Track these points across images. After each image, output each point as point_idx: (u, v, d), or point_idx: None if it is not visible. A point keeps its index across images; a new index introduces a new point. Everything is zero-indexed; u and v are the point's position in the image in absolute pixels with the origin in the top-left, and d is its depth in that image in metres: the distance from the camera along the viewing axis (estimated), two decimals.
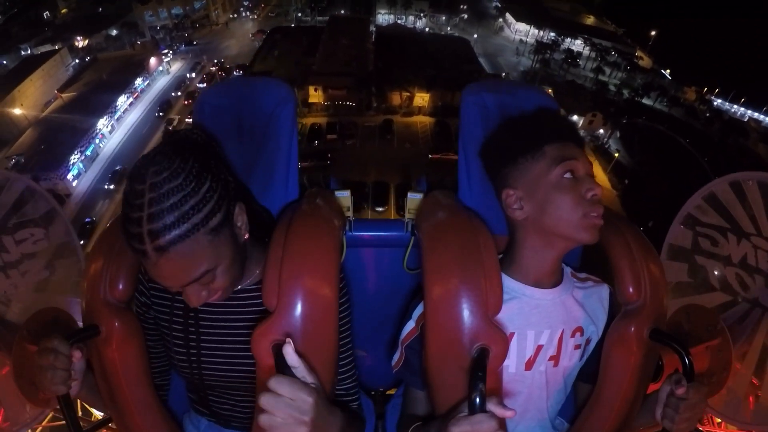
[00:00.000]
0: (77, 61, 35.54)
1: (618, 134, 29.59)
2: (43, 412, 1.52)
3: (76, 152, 24.22)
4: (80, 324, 1.12)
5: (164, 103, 31.26)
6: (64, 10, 43.59)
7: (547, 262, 1.07)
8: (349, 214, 1.33)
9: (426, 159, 24.35)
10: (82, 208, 22.06)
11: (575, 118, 28.84)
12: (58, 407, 1.00)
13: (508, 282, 1.08)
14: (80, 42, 37.10)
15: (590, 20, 47.24)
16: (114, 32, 40.39)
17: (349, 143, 26.14)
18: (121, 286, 1.06)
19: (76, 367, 0.99)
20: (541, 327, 1.08)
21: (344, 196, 1.31)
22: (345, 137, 26.24)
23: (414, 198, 1.32)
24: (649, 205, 21.73)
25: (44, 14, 42.52)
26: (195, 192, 0.81)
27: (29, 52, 36.16)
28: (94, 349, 1.07)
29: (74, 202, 22.52)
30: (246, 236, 0.97)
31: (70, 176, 23.20)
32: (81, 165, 24.49)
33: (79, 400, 1.61)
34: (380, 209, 21.13)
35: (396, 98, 29.30)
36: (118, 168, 24.54)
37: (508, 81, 1.70)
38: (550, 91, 30.61)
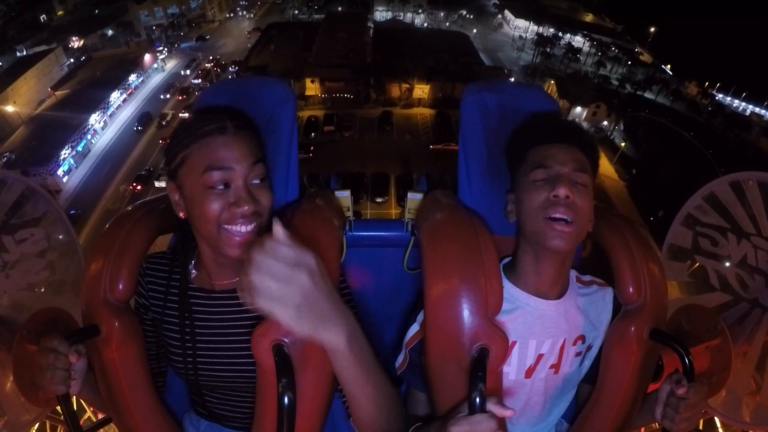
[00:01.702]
0: (72, 60, 35.30)
1: (622, 126, 29.48)
2: (43, 412, 1.51)
3: (66, 147, 23.76)
4: (80, 324, 1.12)
5: (144, 116, 28.20)
6: (60, 13, 43.41)
7: (545, 275, 1.06)
8: (349, 214, 1.34)
9: (426, 150, 24.09)
10: (72, 204, 21.49)
11: (578, 110, 28.69)
12: (58, 407, 1.00)
13: (513, 291, 1.08)
14: (75, 42, 36.91)
15: (589, 17, 47.30)
16: (109, 32, 40.15)
17: (347, 135, 25.81)
18: (121, 286, 1.06)
19: (76, 367, 0.99)
20: (543, 337, 1.07)
21: (344, 196, 1.32)
22: (343, 129, 25.94)
23: (414, 198, 1.33)
24: (657, 195, 21.56)
25: (41, 17, 42.29)
26: None
27: (24, 53, 36.00)
28: (94, 349, 1.06)
29: (64, 197, 21.97)
30: None
31: (60, 171, 22.63)
32: (72, 161, 23.97)
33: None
34: (380, 200, 20.34)
35: (395, 90, 29.09)
36: (72, 212, 20.99)
37: (508, 81, 1.72)
38: (552, 82, 30.20)
